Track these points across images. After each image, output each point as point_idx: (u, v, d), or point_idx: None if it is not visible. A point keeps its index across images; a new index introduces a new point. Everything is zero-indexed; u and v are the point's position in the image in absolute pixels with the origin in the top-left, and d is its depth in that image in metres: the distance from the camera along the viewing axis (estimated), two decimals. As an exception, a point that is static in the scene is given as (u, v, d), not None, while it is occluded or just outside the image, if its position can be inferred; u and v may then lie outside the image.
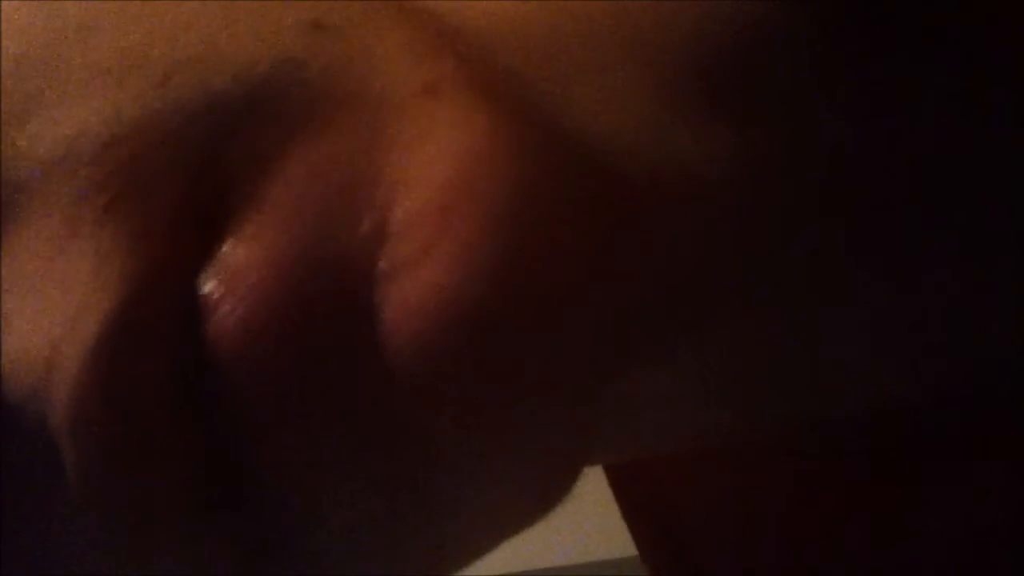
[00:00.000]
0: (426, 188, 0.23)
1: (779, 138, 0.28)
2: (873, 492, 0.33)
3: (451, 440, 0.23)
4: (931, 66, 0.28)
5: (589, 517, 0.42)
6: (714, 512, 0.37)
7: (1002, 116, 0.29)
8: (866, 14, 0.28)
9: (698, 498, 0.37)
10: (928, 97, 0.29)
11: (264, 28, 0.24)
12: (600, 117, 0.26)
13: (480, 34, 0.26)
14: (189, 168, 0.23)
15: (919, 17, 0.28)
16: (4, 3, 0.25)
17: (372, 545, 0.24)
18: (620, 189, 0.26)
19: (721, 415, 0.31)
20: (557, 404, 0.24)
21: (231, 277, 0.22)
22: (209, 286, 0.22)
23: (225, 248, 0.23)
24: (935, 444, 0.32)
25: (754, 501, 0.36)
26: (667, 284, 0.27)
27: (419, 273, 0.23)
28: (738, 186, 0.27)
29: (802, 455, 0.34)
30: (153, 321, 0.22)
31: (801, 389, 0.31)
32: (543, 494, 0.25)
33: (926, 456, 0.32)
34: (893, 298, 0.30)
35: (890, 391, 0.32)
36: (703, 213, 0.27)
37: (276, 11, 0.24)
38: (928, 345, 0.31)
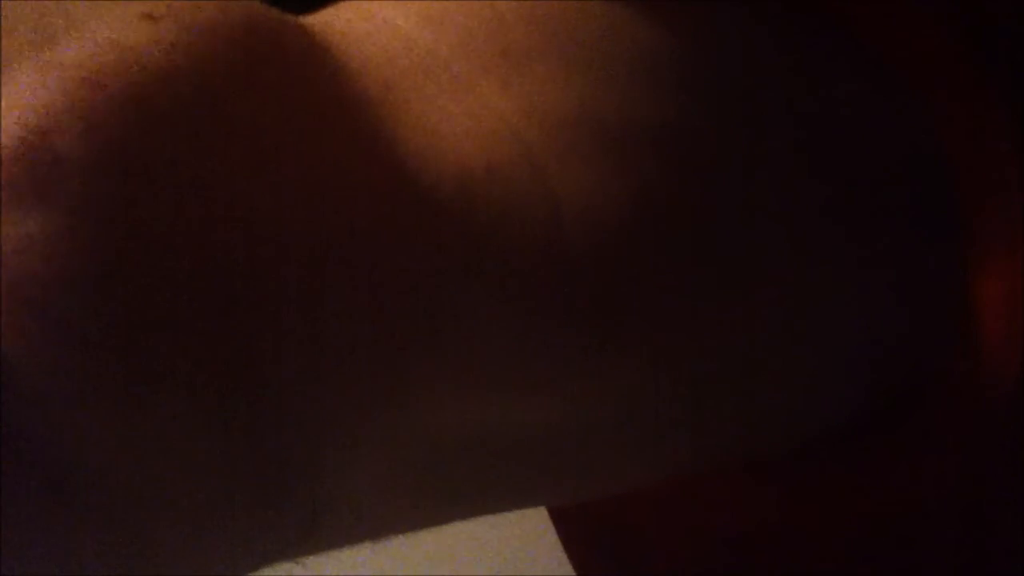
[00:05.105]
0: None
1: (665, 168, 0.27)
2: (820, 486, 0.32)
3: None
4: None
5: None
6: (658, 531, 0.35)
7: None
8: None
9: (642, 519, 0.35)
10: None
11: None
12: (469, 134, 0.25)
13: (360, 48, 0.25)
14: None
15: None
16: None
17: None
18: (472, 214, 0.25)
19: (671, 447, 0.30)
20: None
21: None
22: None
23: None
24: (871, 434, 0.32)
25: (704, 517, 0.34)
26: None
27: None
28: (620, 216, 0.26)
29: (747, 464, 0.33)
30: None
31: (744, 412, 0.30)
32: None
33: (864, 446, 0.32)
34: (819, 300, 0.30)
35: (831, 396, 0.32)
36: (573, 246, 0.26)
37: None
38: (857, 351, 0.31)
